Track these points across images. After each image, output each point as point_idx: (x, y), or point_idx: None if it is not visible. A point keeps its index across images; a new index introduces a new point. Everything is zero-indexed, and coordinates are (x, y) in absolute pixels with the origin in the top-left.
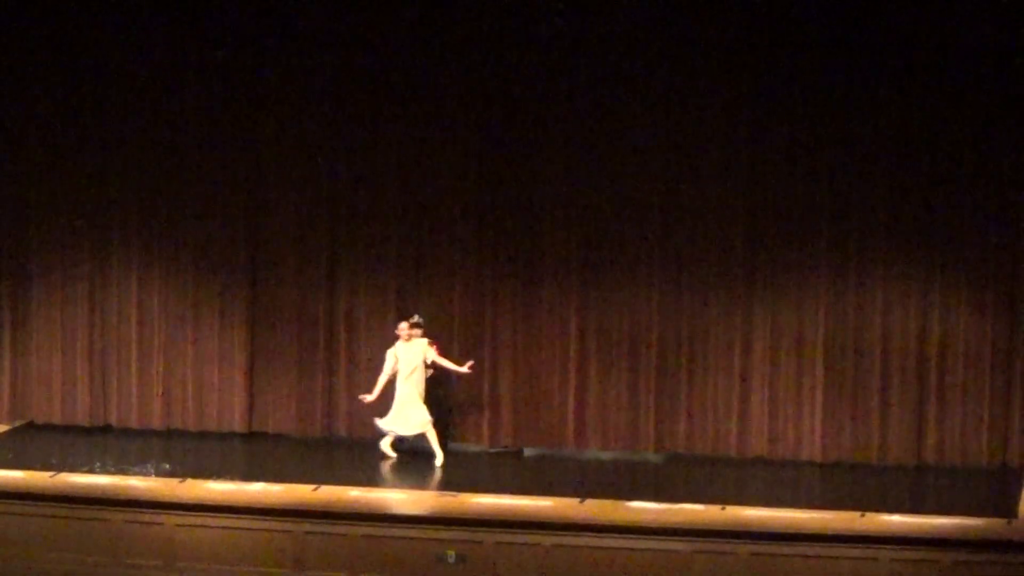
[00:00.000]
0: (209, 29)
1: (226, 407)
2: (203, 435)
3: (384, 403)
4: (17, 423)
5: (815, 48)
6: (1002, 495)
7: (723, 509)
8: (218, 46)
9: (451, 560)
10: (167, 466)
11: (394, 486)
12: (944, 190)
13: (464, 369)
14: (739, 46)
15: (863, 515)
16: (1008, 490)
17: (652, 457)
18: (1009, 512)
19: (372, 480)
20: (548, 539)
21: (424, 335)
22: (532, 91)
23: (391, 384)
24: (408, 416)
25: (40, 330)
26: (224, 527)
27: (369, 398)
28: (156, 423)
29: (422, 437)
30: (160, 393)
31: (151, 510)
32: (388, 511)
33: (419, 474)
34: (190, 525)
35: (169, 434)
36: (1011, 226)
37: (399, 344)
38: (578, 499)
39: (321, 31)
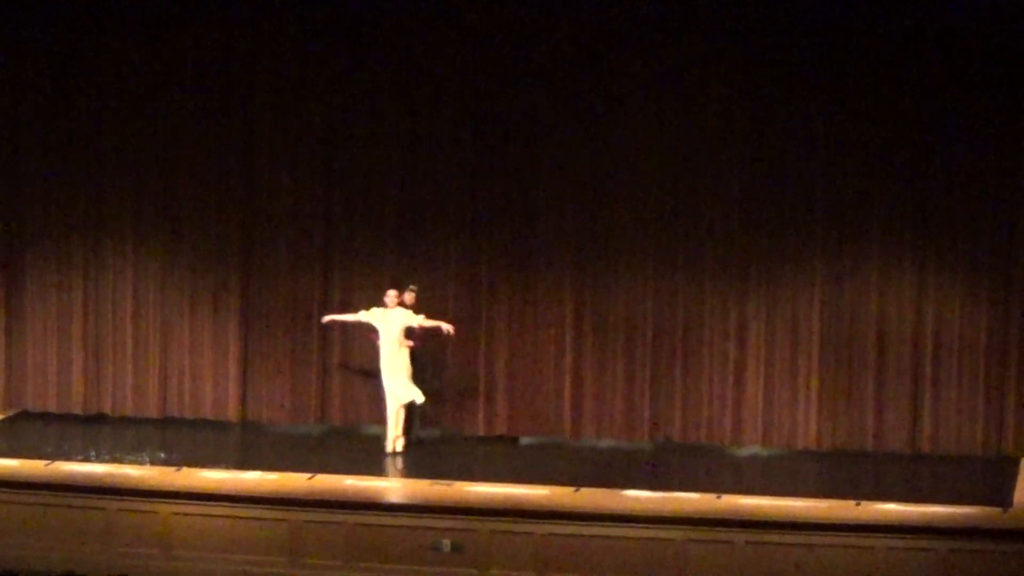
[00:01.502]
0: (204, 19)
1: (221, 396)
2: (198, 424)
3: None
4: (11, 411)
5: (810, 37)
6: (997, 484)
7: (718, 498)
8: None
9: (446, 549)
10: (162, 455)
11: (389, 475)
12: (938, 180)
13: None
14: (735, 37)
15: (858, 504)
16: (1003, 479)
17: (647, 446)
18: (1004, 501)
19: (366, 469)
20: (543, 528)
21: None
22: (527, 81)
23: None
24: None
25: (35, 318)
26: (219, 516)
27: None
28: (151, 412)
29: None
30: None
31: (146, 499)
32: (383, 500)
33: (414, 463)
34: (185, 514)
35: (164, 423)
36: (1005, 215)
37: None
38: (573, 488)
39: (316, 24)
